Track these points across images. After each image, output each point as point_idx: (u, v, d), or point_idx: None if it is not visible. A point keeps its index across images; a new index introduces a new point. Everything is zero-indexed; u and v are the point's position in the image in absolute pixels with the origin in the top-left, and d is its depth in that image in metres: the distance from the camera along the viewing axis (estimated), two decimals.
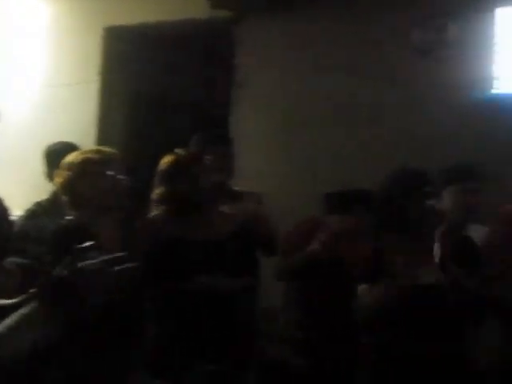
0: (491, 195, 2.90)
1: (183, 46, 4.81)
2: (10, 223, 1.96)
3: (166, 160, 2.90)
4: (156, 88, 4.97)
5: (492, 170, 3.64)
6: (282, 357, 3.26)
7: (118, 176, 2.58)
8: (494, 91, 3.94)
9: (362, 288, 2.52)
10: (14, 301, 1.43)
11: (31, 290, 1.37)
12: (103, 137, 4.81)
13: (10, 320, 1.33)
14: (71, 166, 2.53)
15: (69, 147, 3.15)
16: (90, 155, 2.55)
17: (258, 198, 3.29)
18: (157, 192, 2.88)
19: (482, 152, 3.78)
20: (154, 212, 2.90)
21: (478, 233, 2.80)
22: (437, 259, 2.43)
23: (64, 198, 2.57)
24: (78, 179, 2.51)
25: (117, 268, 1.36)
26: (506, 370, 2.25)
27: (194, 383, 2.69)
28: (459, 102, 3.92)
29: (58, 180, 2.58)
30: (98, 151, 2.60)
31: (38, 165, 3.42)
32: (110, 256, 1.38)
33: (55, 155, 3.12)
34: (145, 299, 2.74)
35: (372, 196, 3.12)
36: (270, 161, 4.28)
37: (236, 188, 3.35)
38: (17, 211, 2.89)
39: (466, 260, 2.43)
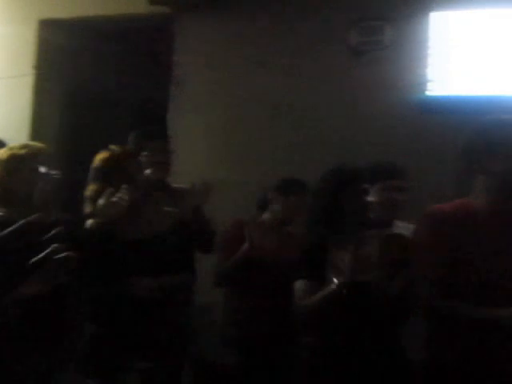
0: (417, 194, 2.96)
1: (121, 41, 4.75)
2: None
3: (100, 157, 2.86)
4: (93, 83, 4.89)
5: (424, 169, 3.76)
6: (218, 355, 3.26)
7: (48, 171, 2.54)
8: (427, 93, 4.02)
9: (298, 285, 2.53)
10: None
11: None
12: (37, 133, 4.70)
13: None
14: None
15: None
16: (16, 151, 2.53)
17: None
18: (90, 189, 2.84)
19: (416, 152, 3.87)
20: (87, 209, 2.85)
21: (405, 230, 2.87)
22: (372, 255, 2.45)
23: None
24: (5, 176, 2.48)
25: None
26: (433, 367, 2.30)
27: (128, 382, 2.67)
28: (394, 104, 4.00)
29: None
30: (25, 146, 2.58)
31: None
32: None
33: None
34: (82, 300, 2.70)
35: (306, 186, 3.18)
36: (208, 158, 4.26)
37: (174, 185, 3.33)
38: None
39: (396, 258, 2.47)
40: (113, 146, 2.87)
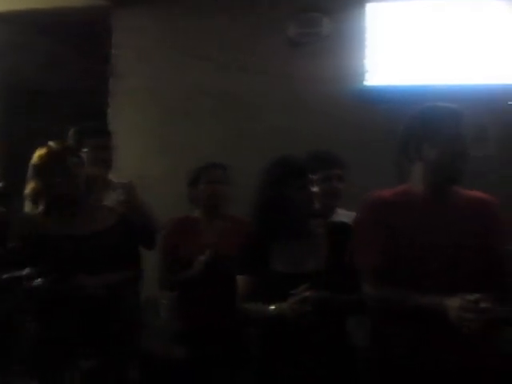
0: (356, 182, 3.02)
1: (60, 33, 4.66)
2: None
3: (39, 153, 2.80)
4: (31, 77, 4.78)
5: (364, 157, 3.83)
6: (165, 349, 3.25)
7: None
8: (365, 83, 4.09)
9: (240, 279, 2.53)
10: None
11: None
12: None
13: None
14: None
15: None
16: None
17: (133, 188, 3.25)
18: (30, 187, 2.79)
19: (355, 141, 3.94)
20: (27, 207, 2.80)
21: (346, 218, 2.93)
22: (320, 246, 2.48)
23: None
24: None
25: None
26: (375, 355, 2.34)
27: (73, 381, 2.63)
28: (332, 94, 4.05)
29: None
30: None
31: None
32: None
33: None
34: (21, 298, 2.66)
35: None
36: (148, 154, 4.23)
37: (115, 180, 3.30)
38: None
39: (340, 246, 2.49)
40: (52, 142, 2.82)
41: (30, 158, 2.81)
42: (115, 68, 4.31)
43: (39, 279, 2.60)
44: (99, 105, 4.38)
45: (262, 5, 4.17)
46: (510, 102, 3.99)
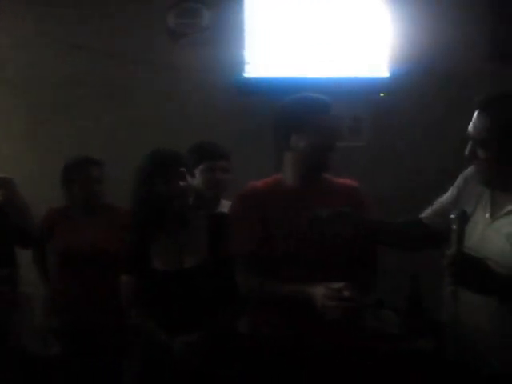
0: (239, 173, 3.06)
1: None
2: None
3: None
4: None
5: (244, 149, 3.89)
6: (40, 346, 3.18)
7: None
8: (245, 75, 4.14)
9: (123, 278, 2.51)
10: None
11: None
12: None
13: None
14: None
15: None
16: None
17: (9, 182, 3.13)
18: None
19: (235, 133, 3.99)
20: None
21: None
22: (199, 238, 2.48)
23: None
24: None
25: None
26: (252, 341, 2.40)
27: None
28: (212, 85, 4.07)
29: None
30: None
31: None
32: None
33: None
34: None
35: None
36: (21, 146, 4.07)
37: None
38: None
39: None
40: None
41: None
42: None
43: None
44: None
45: None
46: (381, 94, 4.17)
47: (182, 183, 2.43)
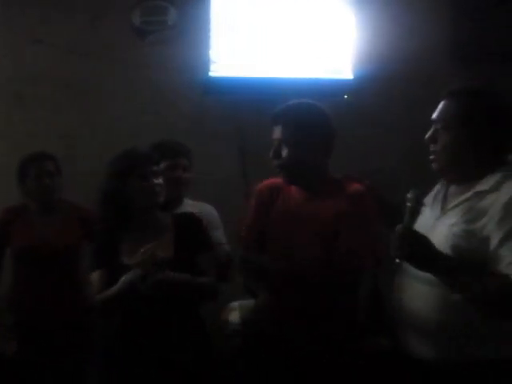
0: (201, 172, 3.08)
1: None
2: None
3: None
4: None
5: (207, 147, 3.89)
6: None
7: None
8: (211, 74, 4.14)
9: (93, 274, 2.51)
10: None
11: None
12: None
13: None
14: None
15: None
16: None
17: None
18: None
19: (199, 132, 3.99)
20: None
21: (194, 208, 2.97)
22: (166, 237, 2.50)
23: None
24: None
25: None
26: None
27: None
28: (178, 84, 4.06)
29: None
30: None
31: None
32: None
33: None
34: None
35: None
36: None
37: None
38: None
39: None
40: None
41: None
42: None
43: None
44: None
45: None
46: (345, 96, 4.21)
47: (156, 181, 2.46)
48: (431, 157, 2.13)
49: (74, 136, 3.98)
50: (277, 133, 2.43)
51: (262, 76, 4.16)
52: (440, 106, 2.12)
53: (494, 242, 1.90)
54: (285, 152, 2.40)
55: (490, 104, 2.04)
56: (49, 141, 3.84)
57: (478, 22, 4.13)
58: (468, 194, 2.02)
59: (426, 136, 2.12)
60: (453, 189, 2.13)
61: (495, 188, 1.97)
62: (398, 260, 1.94)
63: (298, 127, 2.40)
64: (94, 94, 4.06)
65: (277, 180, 2.54)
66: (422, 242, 1.92)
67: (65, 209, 3.26)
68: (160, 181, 2.49)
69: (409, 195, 2.00)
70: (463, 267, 1.92)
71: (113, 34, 4.07)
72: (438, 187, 2.21)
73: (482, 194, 1.98)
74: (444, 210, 2.10)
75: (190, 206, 3.08)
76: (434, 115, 2.12)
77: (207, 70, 4.12)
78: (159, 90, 4.06)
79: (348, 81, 4.23)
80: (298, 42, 4.21)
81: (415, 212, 1.97)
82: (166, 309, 2.41)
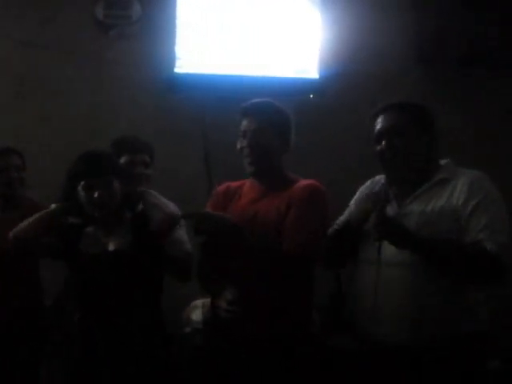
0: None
1: None
2: None
3: None
4: None
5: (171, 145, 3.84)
6: None
7: None
8: (176, 71, 4.10)
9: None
10: None
11: None
12: None
13: None
14: None
15: None
16: None
17: None
18: None
19: (163, 129, 3.94)
20: None
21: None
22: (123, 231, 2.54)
23: None
24: None
25: None
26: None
27: None
28: (142, 80, 4.01)
29: None
30: None
31: None
32: None
33: None
34: None
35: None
36: None
37: None
38: None
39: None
40: None
41: None
42: None
43: None
44: None
45: None
46: (311, 95, 4.22)
47: (102, 195, 2.47)
48: (387, 163, 2.31)
49: (35, 131, 3.90)
50: (245, 124, 2.54)
51: (228, 74, 4.14)
52: (385, 117, 2.35)
53: (463, 216, 2.18)
54: (253, 141, 2.50)
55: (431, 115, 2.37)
56: (9, 135, 3.76)
57: (441, 22, 4.18)
58: (428, 185, 2.28)
59: (383, 146, 2.32)
60: (404, 187, 2.32)
61: (454, 175, 2.28)
62: (377, 242, 2.18)
63: (268, 119, 2.53)
64: (55, 89, 3.97)
65: (235, 183, 2.64)
66: (397, 222, 2.18)
67: (24, 206, 3.20)
68: (111, 191, 2.50)
69: (377, 188, 2.29)
70: (438, 240, 2.15)
71: (74, 28, 3.99)
72: (373, 187, 2.41)
73: (442, 182, 2.27)
74: (402, 205, 2.30)
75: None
76: (386, 124, 2.32)
77: (172, 66, 4.08)
78: (122, 86, 4.00)
79: (314, 80, 4.23)
80: (265, 41, 4.20)
81: (385, 203, 2.22)
82: (127, 305, 2.46)
